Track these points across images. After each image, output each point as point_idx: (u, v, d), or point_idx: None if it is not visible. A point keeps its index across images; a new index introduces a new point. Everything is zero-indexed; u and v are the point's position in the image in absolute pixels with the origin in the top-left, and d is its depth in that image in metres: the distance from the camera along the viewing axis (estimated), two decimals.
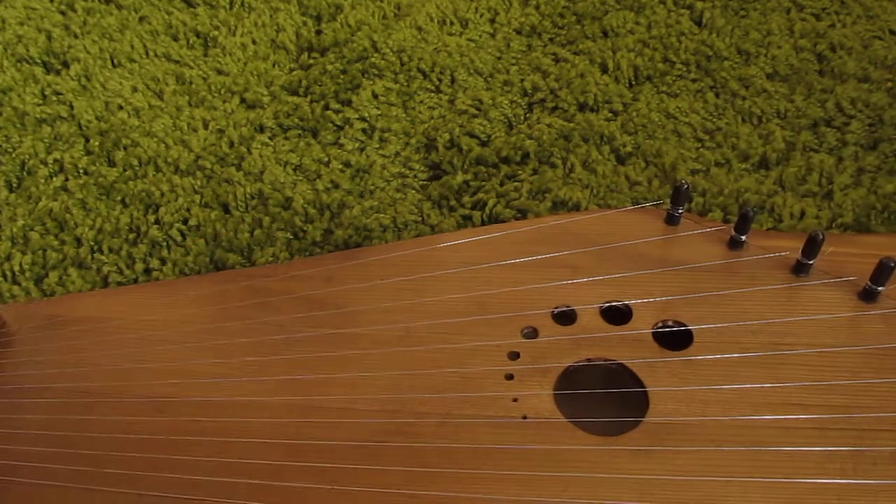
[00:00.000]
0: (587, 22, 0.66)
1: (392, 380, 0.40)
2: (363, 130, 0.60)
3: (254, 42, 0.66)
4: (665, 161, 0.56)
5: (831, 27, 0.64)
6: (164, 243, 0.54)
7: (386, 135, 0.59)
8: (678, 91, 0.61)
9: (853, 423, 0.36)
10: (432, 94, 0.62)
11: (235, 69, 0.64)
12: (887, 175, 0.54)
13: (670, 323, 0.40)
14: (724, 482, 0.35)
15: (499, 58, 0.64)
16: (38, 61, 0.65)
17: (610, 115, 0.59)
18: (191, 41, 0.67)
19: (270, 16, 0.68)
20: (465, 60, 0.63)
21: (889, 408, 0.36)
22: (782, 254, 0.42)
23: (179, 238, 0.54)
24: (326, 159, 0.58)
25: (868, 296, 0.40)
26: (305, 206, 0.55)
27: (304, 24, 0.68)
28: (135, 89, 0.63)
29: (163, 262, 0.53)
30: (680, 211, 0.44)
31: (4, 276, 0.52)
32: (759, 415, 0.37)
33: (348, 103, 0.61)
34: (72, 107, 0.62)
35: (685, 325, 0.40)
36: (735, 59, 0.62)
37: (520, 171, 0.56)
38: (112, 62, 0.65)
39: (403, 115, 0.61)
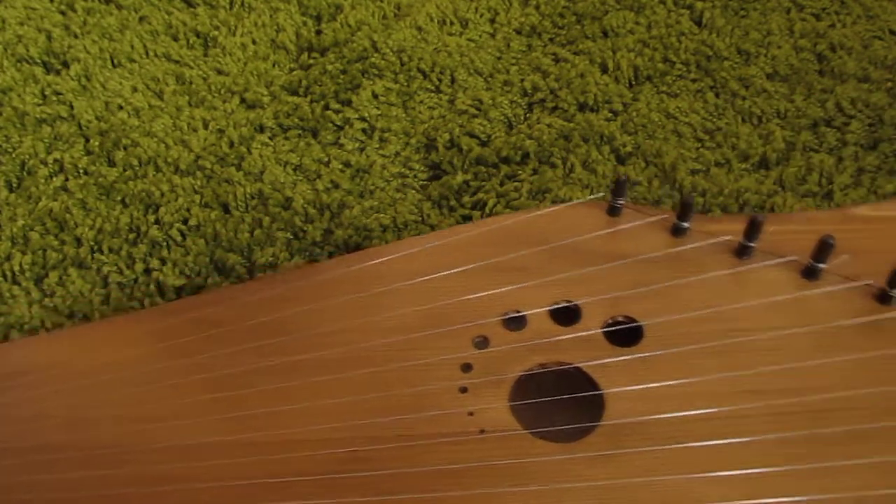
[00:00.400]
0: (587, 22, 0.66)
1: (345, 406, 0.38)
2: (363, 130, 0.60)
3: (254, 42, 0.66)
4: (665, 161, 0.56)
5: (831, 27, 0.64)
6: (164, 243, 0.54)
7: (386, 135, 0.59)
8: (678, 91, 0.61)
9: (806, 405, 0.36)
10: (432, 94, 0.62)
11: (235, 69, 0.64)
12: (887, 175, 0.54)
13: (620, 319, 0.40)
14: (685, 479, 0.34)
15: (499, 58, 0.64)
16: (38, 61, 0.65)
17: (610, 115, 0.59)
18: (191, 41, 0.67)
19: (270, 16, 0.68)
20: (465, 60, 0.63)
21: (840, 387, 0.36)
22: (726, 238, 0.42)
23: (179, 238, 0.54)
24: (326, 159, 0.58)
25: (811, 273, 0.40)
26: (305, 206, 0.55)
27: (304, 24, 0.68)
28: (135, 89, 0.63)
29: (163, 262, 0.53)
30: (621, 202, 0.44)
31: (4, 276, 0.52)
32: (713, 406, 0.36)
33: (348, 103, 0.61)
34: (72, 107, 0.62)
35: (635, 321, 0.40)
36: (735, 59, 0.62)
37: (520, 171, 0.56)
38: (112, 62, 0.65)
39: (403, 115, 0.61)
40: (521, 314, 0.41)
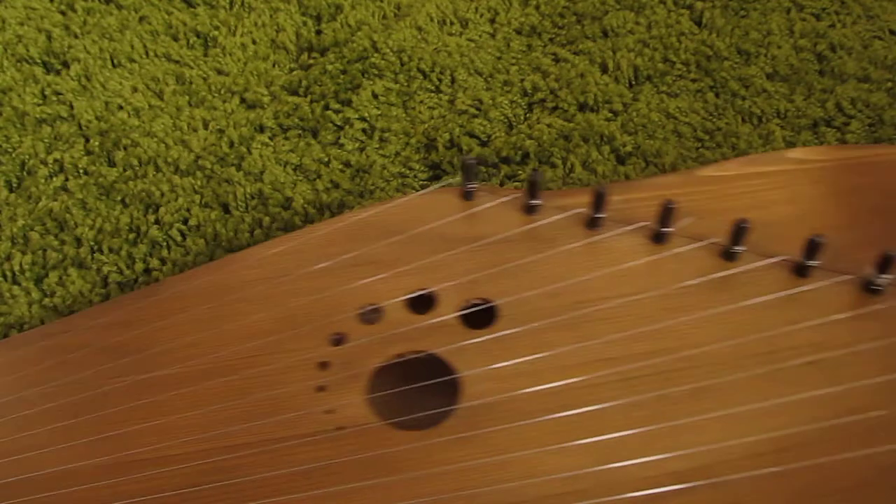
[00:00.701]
0: (587, 22, 0.66)
1: (203, 417, 0.38)
2: (363, 130, 0.60)
3: (254, 42, 0.66)
4: (665, 161, 0.56)
5: (831, 27, 0.64)
6: (164, 243, 0.54)
7: (386, 135, 0.59)
8: (678, 91, 0.61)
9: (656, 367, 0.36)
10: (432, 94, 0.62)
11: (235, 69, 0.64)
12: None
13: (475, 301, 0.40)
14: (541, 453, 0.35)
15: (499, 58, 0.64)
16: (38, 61, 0.65)
17: (610, 115, 0.59)
18: (191, 41, 0.67)
19: (270, 16, 0.68)
20: (465, 60, 0.63)
21: (686, 346, 0.37)
22: (576, 211, 0.42)
23: (179, 238, 0.54)
24: (326, 159, 0.58)
25: (658, 238, 0.40)
26: (305, 206, 0.55)
27: (304, 24, 0.68)
28: (135, 89, 0.63)
29: (163, 261, 0.53)
30: (473, 186, 0.44)
31: (4, 276, 0.52)
32: (566, 378, 0.37)
33: (348, 103, 0.61)
34: (72, 107, 0.62)
35: (489, 301, 0.40)
36: (735, 59, 0.62)
37: (520, 171, 0.56)
38: (112, 62, 0.65)
39: (403, 115, 0.61)
40: (376, 307, 0.40)
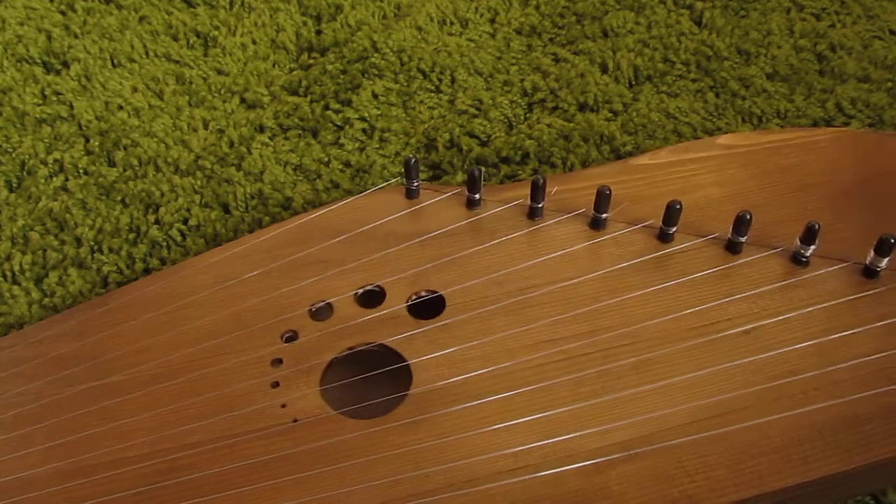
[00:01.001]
0: (587, 22, 0.66)
1: (158, 418, 0.38)
2: (363, 130, 0.60)
3: (254, 42, 0.66)
4: None
5: (831, 27, 0.64)
6: (164, 243, 0.54)
7: (386, 135, 0.59)
8: (678, 91, 0.61)
9: (598, 345, 0.38)
10: (432, 94, 0.62)
11: (235, 69, 0.64)
12: None
13: (422, 294, 0.41)
14: (491, 432, 0.36)
15: (499, 58, 0.64)
16: (38, 61, 0.65)
17: (610, 115, 0.59)
18: (191, 41, 0.67)
19: (270, 16, 0.68)
20: (465, 60, 0.63)
21: (627, 324, 0.39)
22: (516, 203, 0.44)
23: (179, 238, 0.54)
24: (326, 159, 0.58)
25: (596, 224, 0.43)
26: (305, 206, 0.55)
27: (304, 24, 0.68)
28: (135, 89, 0.63)
29: (163, 262, 0.53)
30: (416, 184, 0.45)
31: (4, 276, 0.52)
32: (513, 360, 0.38)
33: (348, 103, 0.61)
34: (72, 107, 0.62)
35: (436, 292, 0.41)
36: (735, 59, 0.62)
37: (520, 171, 0.56)
38: (112, 62, 0.65)
39: (403, 115, 0.61)
40: (326, 303, 0.42)
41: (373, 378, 0.39)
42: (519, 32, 0.67)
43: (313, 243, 0.44)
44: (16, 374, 0.42)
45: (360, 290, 0.42)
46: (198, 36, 0.67)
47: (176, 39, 0.67)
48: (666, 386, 0.37)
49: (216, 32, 0.67)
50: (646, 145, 0.57)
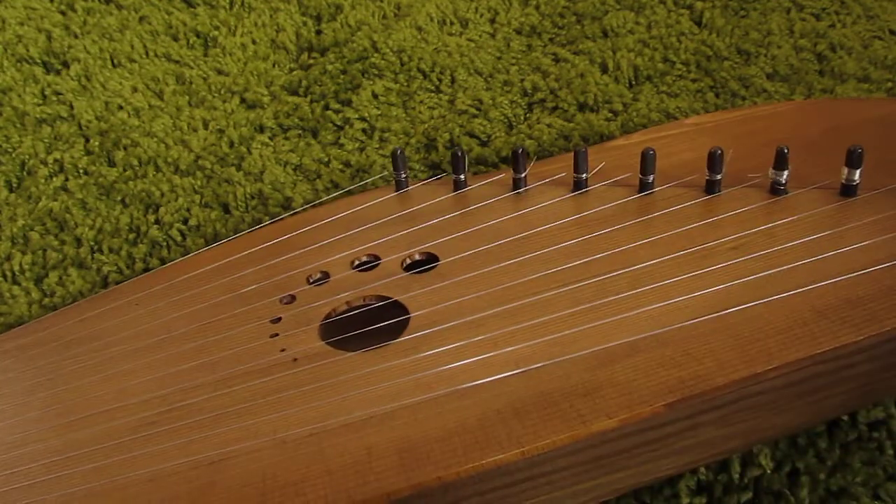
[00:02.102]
0: (587, 22, 0.66)
1: (160, 379, 0.40)
2: (363, 130, 0.60)
3: (254, 42, 0.66)
4: None
5: (831, 27, 0.64)
6: (165, 243, 0.54)
7: (386, 135, 0.59)
8: (678, 91, 0.61)
9: (591, 269, 0.40)
10: (432, 94, 0.62)
11: (235, 69, 0.64)
12: None
13: (417, 257, 0.43)
14: (493, 336, 0.37)
15: (499, 58, 0.64)
16: (38, 61, 0.65)
17: (610, 115, 0.59)
18: (191, 41, 0.67)
19: (270, 16, 0.68)
20: (465, 60, 0.63)
21: (618, 247, 0.41)
22: (499, 176, 0.47)
23: (179, 238, 0.54)
24: (326, 159, 0.58)
25: (578, 186, 0.45)
26: (305, 206, 0.55)
27: (304, 24, 0.68)
28: (135, 89, 0.63)
29: (163, 262, 0.53)
30: (404, 175, 0.48)
31: (4, 276, 0.52)
32: (511, 290, 0.40)
33: (348, 103, 0.61)
34: (72, 107, 0.62)
35: (430, 253, 0.43)
36: (735, 59, 0.62)
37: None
38: (112, 62, 0.65)
39: (403, 115, 0.61)
40: (324, 273, 0.44)
41: (371, 334, 0.40)
42: (519, 32, 0.67)
43: (312, 236, 0.46)
44: (19, 359, 0.43)
45: (356, 262, 0.44)
46: (198, 36, 0.67)
47: (176, 39, 0.67)
48: (663, 286, 0.38)
49: (216, 32, 0.67)
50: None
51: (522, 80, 0.62)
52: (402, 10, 0.68)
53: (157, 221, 0.55)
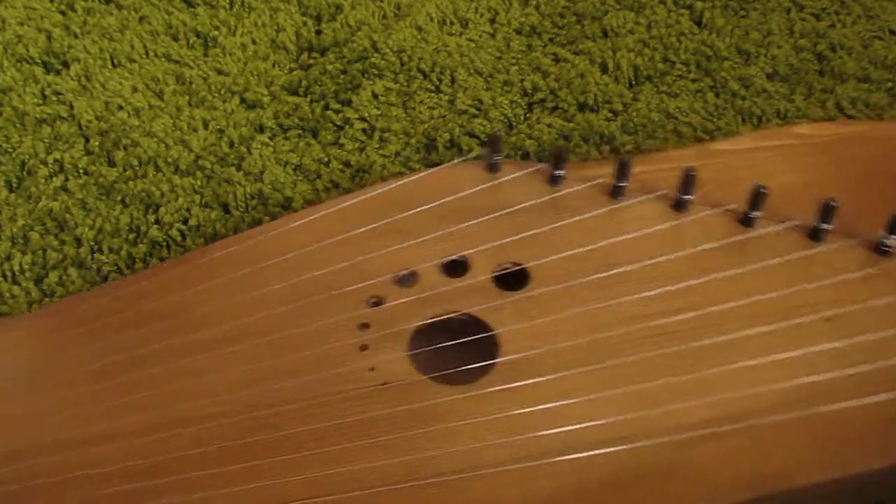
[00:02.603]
0: (587, 22, 0.66)
1: (246, 375, 0.39)
2: (363, 130, 0.60)
3: (254, 42, 0.66)
4: None
5: (831, 27, 0.64)
6: (164, 243, 0.54)
7: (386, 135, 0.59)
8: (678, 91, 0.61)
9: (686, 323, 0.39)
10: (432, 94, 0.62)
11: (235, 69, 0.64)
12: None
13: (507, 265, 0.42)
14: (582, 402, 0.36)
15: (499, 58, 0.64)
16: (38, 61, 0.65)
17: (610, 115, 0.59)
18: (191, 41, 0.67)
19: (270, 16, 0.68)
20: (465, 60, 0.63)
21: (711, 304, 0.39)
22: (598, 181, 0.44)
23: (179, 238, 0.54)
24: (326, 159, 0.58)
25: (679, 205, 0.43)
26: (305, 205, 0.55)
27: (304, 24, 0.68)
28: (135, 89, 0.63)
29: (163, 261, 0.53)
30: (497, 158, 0.46)
31: (4, 276, 0.52)
32: (601, 333, 0.39)
33: (348, 103, 0.61)
34: (72, 107, 0.62)
35: (521, 265, 0.42)
36: (735, 59, 0.62)
37: None
38: (112, 62, 0.65)
39: (403, 115, 0.61)
40: (411, 271, 0.42)
41: (456, 346, 0.39)
42: (519, 32, 0.67)
43: (395, 213, 0.44)
44: (98, 328, 0.42)
45: (445, 260, 0.43)
46: (198, 36, 0.67)
47: (176, 39, 0.67)
48: (752, 366, 0.37)
49: (216, 32, 0.67)
50: (646, 145, 0.57)
51: (522, 80, 0.62)
52: (402, 10, 0.68)
53: (157, 221, 0.55)
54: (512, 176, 0.46)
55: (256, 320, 0.41)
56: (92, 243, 0.54)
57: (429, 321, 0.40)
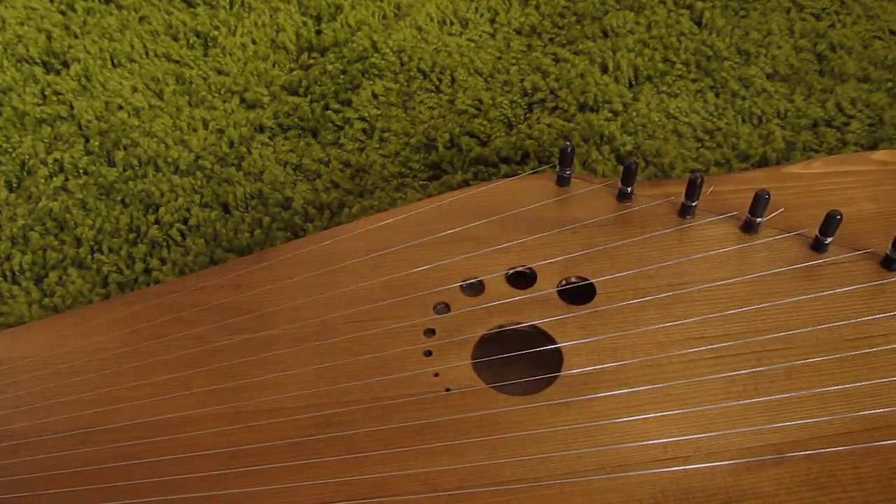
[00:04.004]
0: (587, 22, 0.66)
1: (315, 374, 0.40)
2: (363, 130, 0.60)
3: (254, 42, 0.66)
4: (665, 161, 0.56)
5: (831, 27, 0.64)
6: (164, 243, 0.54)
7: (386, 135, 0.59)
8: (678, 91, 0.61)
9: (749, 346, 0.38)
10: (432, 94, 0.62)
11: (235, 69, 0.64)
12: None
13: (573, 279, 0.42)
14: (641, 420, 0.37)
15: (499, 58, 0.64)
16: (38, 61, 0.65)
17: (610, 115, 0.59)
18: (191, 41, 0.67)
19: (270, 16, 0.68)
20: (465, 60, 0.63)
21: (779, 328, 0.39)
22: (668, 199, 0.44)
23: (179, 238, 0.54)
24: (326, 159, 0.58)
25: (749, 227, 0.42)
26: (305, 205, 0.55)
27: (304, 24, 0.68)
28: (135, 89, 0.63)
29: (163, 261, 0.53)
30: (568, 172, 0.46)
31: (4, 277, 0.52)
32: (664, 352, 0.39)
33: (348, 103, 0.61)
34: (72, 107, 0.62)
35: (587, 280, 0.42)
36: (735, 59, 0.62)
37: (520, 171, 0.56)
38: (112, 62, 0.65)
39: (403, 115, 0.61)
40: (478, 280, 0.43)
41: (518, 356, 0.40)
42: (519, 32, 0.67)
43: (465, 221, 0.45)
44: (178, 319, 0.43)
45: (511, 271, 0.43)
46: (198, 36, 0.67)
47: (176, 39, 0.67)
48: (820, 394, 0.37)
49: (216, 32, 0.67)
50: (646, 145, 0.57)
51: (522, 80, 0.62)
52: (402, 10, 0.68)
53: (157, 221, 0.55)
54: (582, 191, 0.46)
55: (329, 320, 0.42)
56: (92, 243, 0.54)
57: (494, 330, 0.41)
